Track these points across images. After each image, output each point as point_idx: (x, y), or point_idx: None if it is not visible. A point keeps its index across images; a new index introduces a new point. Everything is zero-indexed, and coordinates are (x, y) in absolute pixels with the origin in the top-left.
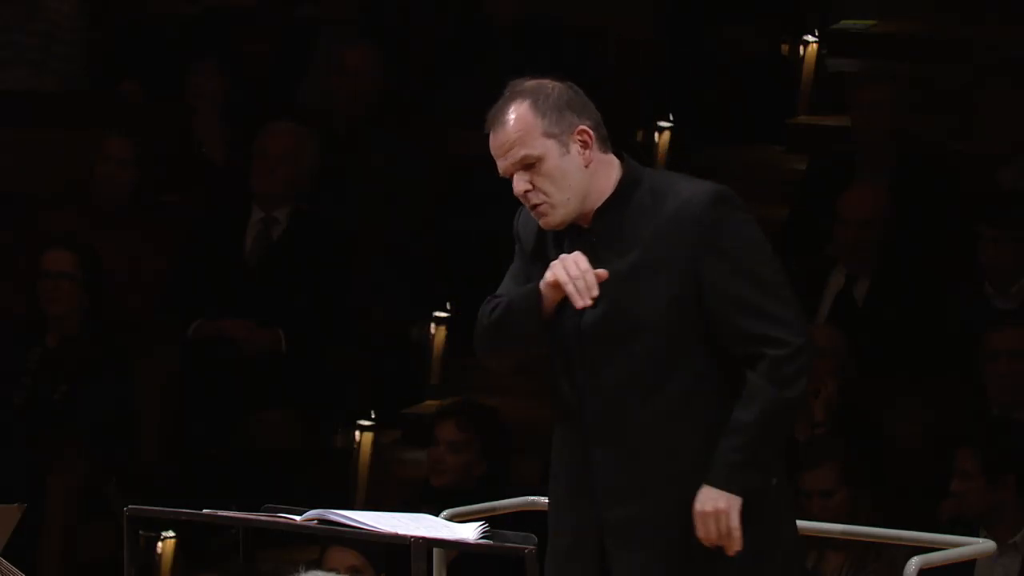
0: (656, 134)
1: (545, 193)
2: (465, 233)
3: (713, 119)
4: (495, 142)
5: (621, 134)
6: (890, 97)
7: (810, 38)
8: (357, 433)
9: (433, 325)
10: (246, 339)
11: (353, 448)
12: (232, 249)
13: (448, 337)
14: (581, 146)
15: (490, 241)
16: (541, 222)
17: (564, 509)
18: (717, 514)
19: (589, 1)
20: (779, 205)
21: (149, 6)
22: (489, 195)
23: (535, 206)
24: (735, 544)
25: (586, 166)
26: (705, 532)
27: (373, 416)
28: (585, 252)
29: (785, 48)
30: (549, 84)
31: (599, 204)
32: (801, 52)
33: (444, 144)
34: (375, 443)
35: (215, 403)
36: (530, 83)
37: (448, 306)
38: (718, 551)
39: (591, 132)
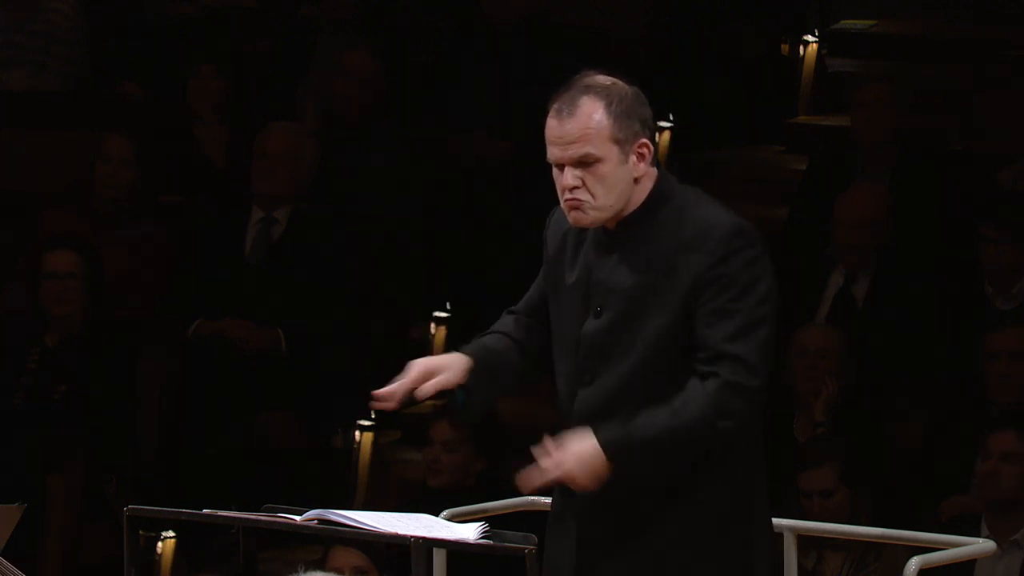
0: (656, 134)
1: (592, 194)
2: (464, 233)
3: (713, 119)
4: (558, 130)
5: None
6: (890, 97)
7: (810, 38)
8: (357, 433)
9: (433, 325)
10: (246, 339)
11: (353, 448)
12: (232, 249)
13: (448, 337)
14: (638, 158)
15: (489, 241)
16: (572, 218)
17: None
18: (565, 472)
19: (589, 1)
20: (779, 205)
21: (149, 6)
22: (488, 195)
23: (575, 202)
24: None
25: (636, 179)
26: (541, 470)
27: (373, 416)
28: (601, 256)
29: (785, 48)
30: (622, 86)
31: (628, 213)
32: (801, 52)
33: (444, 144)
34: (375, 443)
35: (215, 403)
36: (604, 80)
37: (448, 306)
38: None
39: (650, 147)
